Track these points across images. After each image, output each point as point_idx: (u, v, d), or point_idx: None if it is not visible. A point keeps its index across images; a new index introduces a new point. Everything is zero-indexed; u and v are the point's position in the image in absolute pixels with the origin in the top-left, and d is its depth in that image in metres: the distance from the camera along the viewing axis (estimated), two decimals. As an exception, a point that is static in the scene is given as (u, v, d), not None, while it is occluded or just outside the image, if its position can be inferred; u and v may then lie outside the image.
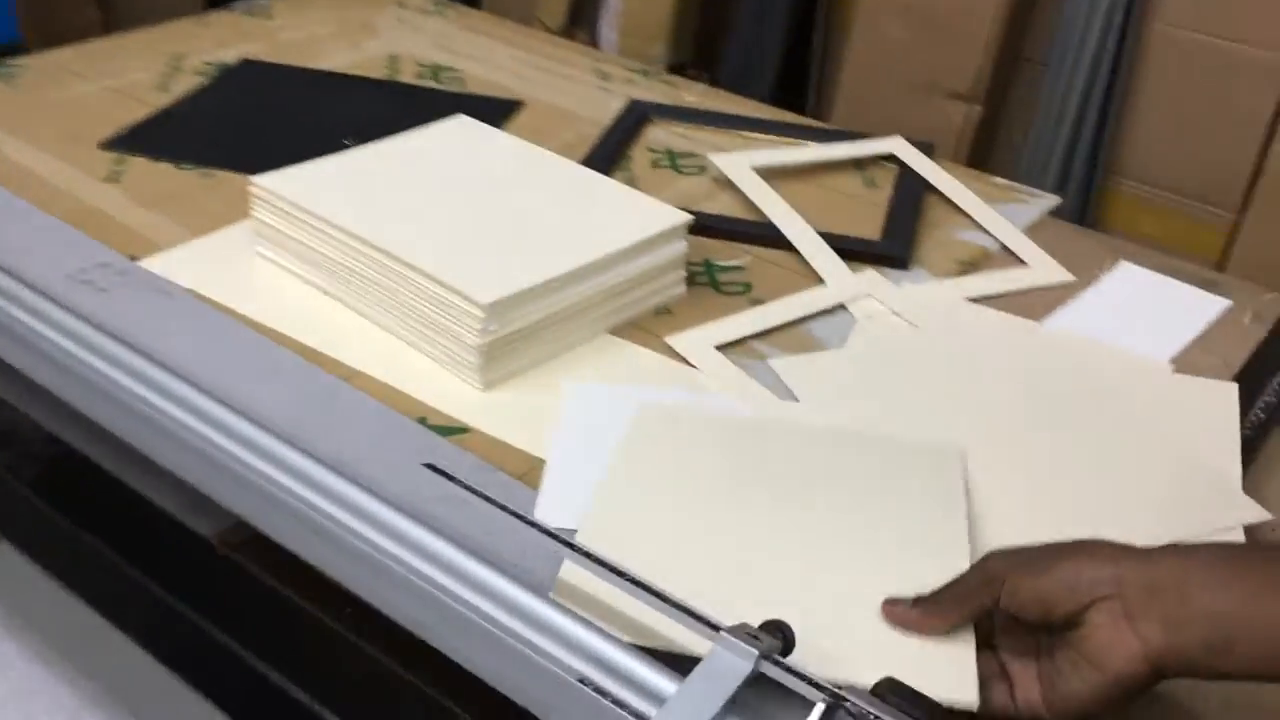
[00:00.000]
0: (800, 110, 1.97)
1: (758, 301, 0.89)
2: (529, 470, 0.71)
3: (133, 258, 0.88)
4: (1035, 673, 0.55)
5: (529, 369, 0.80)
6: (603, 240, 0.82)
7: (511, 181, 0.90)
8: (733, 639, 0.50)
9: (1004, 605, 0.55)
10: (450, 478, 0.62)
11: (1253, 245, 1.70)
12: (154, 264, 0.87)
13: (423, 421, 0.74)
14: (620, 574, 0.55)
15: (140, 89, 1.15)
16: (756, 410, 0.77)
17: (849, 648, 0.57)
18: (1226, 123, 1.67)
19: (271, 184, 0.86)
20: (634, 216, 0.87)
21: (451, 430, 0.74)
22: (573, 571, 0.59)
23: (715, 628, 0.51)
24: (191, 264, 0.88)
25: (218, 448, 0.66)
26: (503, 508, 0.62)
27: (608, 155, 1.08)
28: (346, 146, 0.94)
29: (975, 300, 0.91)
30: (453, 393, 0.77)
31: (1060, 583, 0.53)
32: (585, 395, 0.77)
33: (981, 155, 1.89)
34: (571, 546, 0.58)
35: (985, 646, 0.57)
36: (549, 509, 0.67)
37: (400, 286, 0.79)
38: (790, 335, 0.86)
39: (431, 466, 0.62)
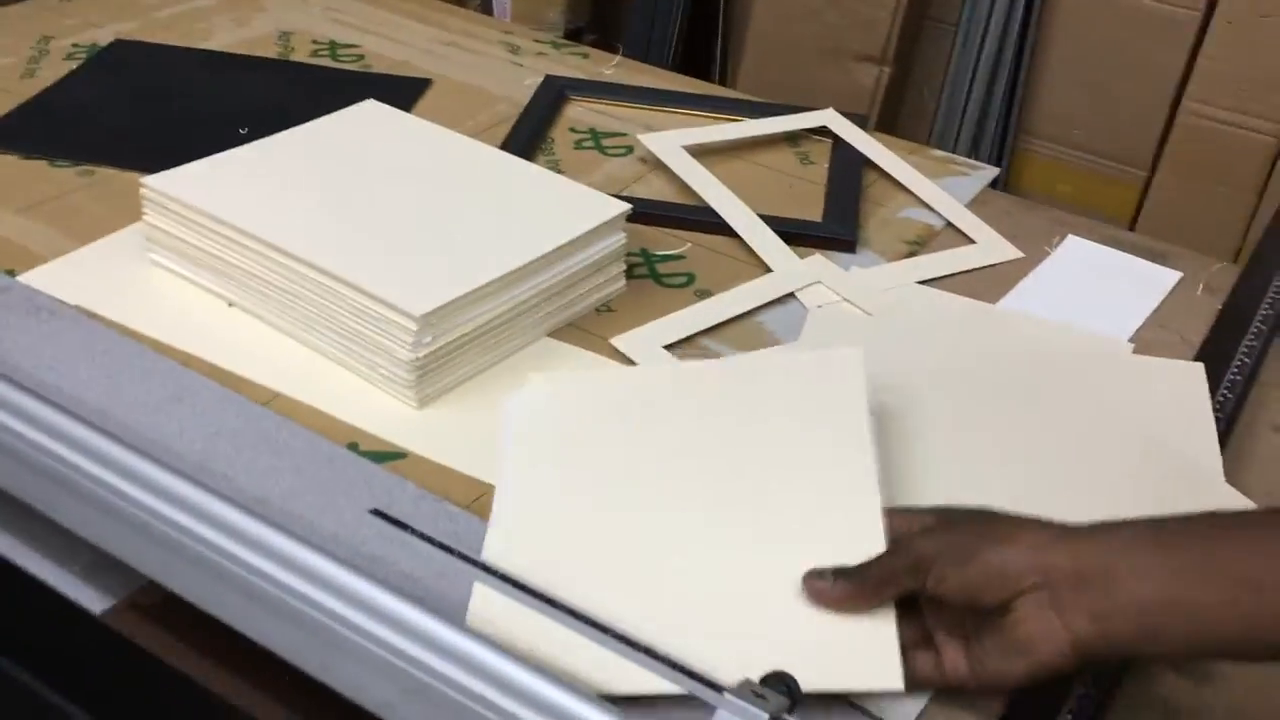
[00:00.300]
0: (706, 77, 1.93)
1: (703, 293, 0.84)
2: (479, 497, 0.65)
3: (10, 272, 0.78)
4: (962, 648, 0.55)
5: (466, 380, 0.73)
6: (539, 236, 0.76)
7: (432, 173, 0.83)
8: (739, 701, 0.45)
9: (930, 590, 0.54)
10: (399, 524, 0.55)
11: (1164, 201, 1.71)
12: (34, 278, 0.78)
13: (354, 448, 0.67)
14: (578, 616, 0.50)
15: (3, 76, 1.04)
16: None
17: (764, 628, 0.56)
18: (1136, 81, 1.67)
19: (163, 184, 0.78)
20: (569, 207, 0.80)
21: (386, 456, 0.67)
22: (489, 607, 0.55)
23: (719, 689, 0.46)
24: (78, 276, 0.79)
25: (118, 494, 0.58)
26: (448, 550, 0.56)
27: (528, 138, 1.01)
28: (243, 137, 0.86)
29: (926, 283, 0.87)
30: (386, 412, 0.70)
31: (986, 572, 0.53)
32: (528, 403, 0.71)
33: (891, 118, 1.86)
34: (523, 587, 0.52)
35: (909, 612, 0.56)
36: (500, 543, 0.61)
37: (319, 297, 0.72)
38: (741, 329, 0.81)
39: (378, 512, 0.56)
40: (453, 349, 0.71)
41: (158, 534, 0.57)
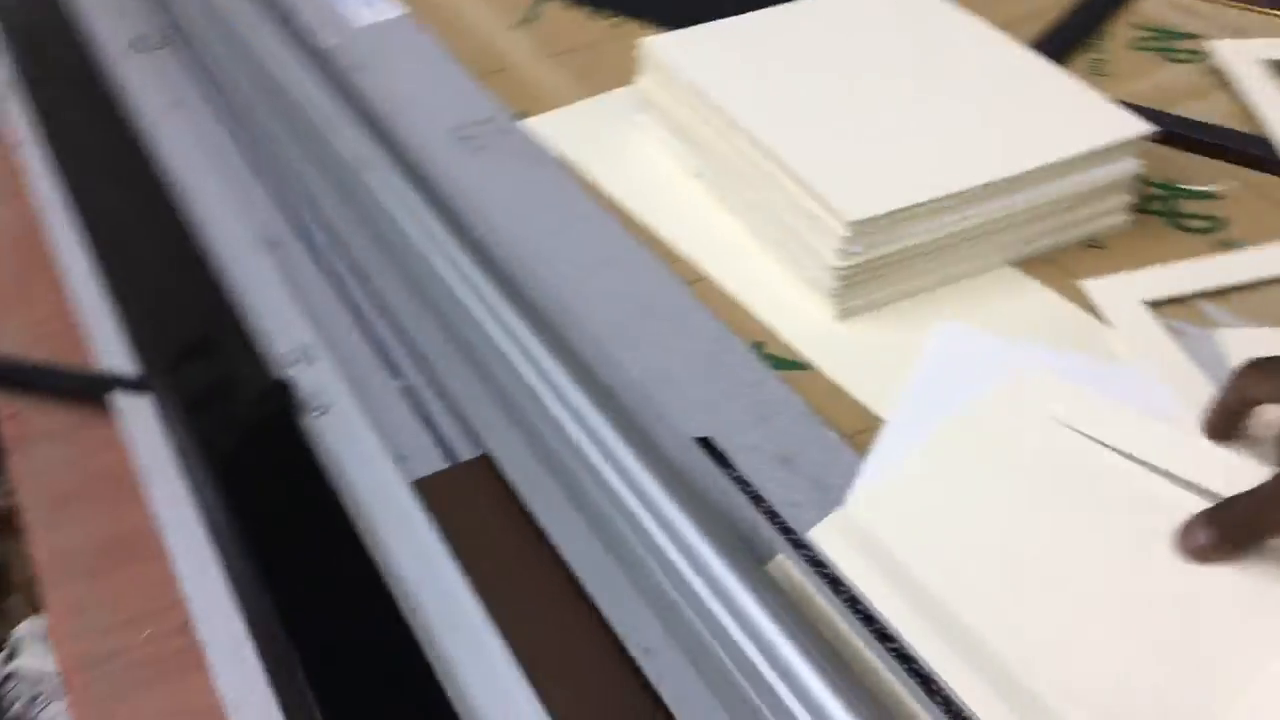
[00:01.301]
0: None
1: (1228, 245, 0.69)
2: (864, 430, 0.59)
3: (520, 114, 0.83)
4: None
5: (897, 300, 0.66)
6: (1021, 151, 0.66)
7: (931, 65, 0.75)
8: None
9: None
10: (722, 461, 0.51)
11: None
12: (534, 124, 0.82)
13: (759, 348, 0.64)
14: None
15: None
16: (1173, 406, 0.59)
17: None
18: None
19: (659, 47, 0.78)
20: (1073, 121, 0.69)
21: (788, 364, 0.63)
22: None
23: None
24: (571, 127, 0.82)
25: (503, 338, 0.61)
26: (761, 505, 0.52)
27: (1077, 27, 0.88)
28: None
29: None
30: (803, 319, 0.66)
31: None
32: (957, 342, 0.64)
33: None
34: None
35: None
36: (863, 499, 0.56)
37: (763, 182, 0.68)
38: (1261, 298, 0.66)
39: (704, 442, 0.52)
40: (888, 263, 0.65)
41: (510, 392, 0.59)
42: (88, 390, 0.62)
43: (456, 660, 0.48)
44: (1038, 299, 0.66)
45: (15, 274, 0.73)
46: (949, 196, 0.64)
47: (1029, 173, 0.66)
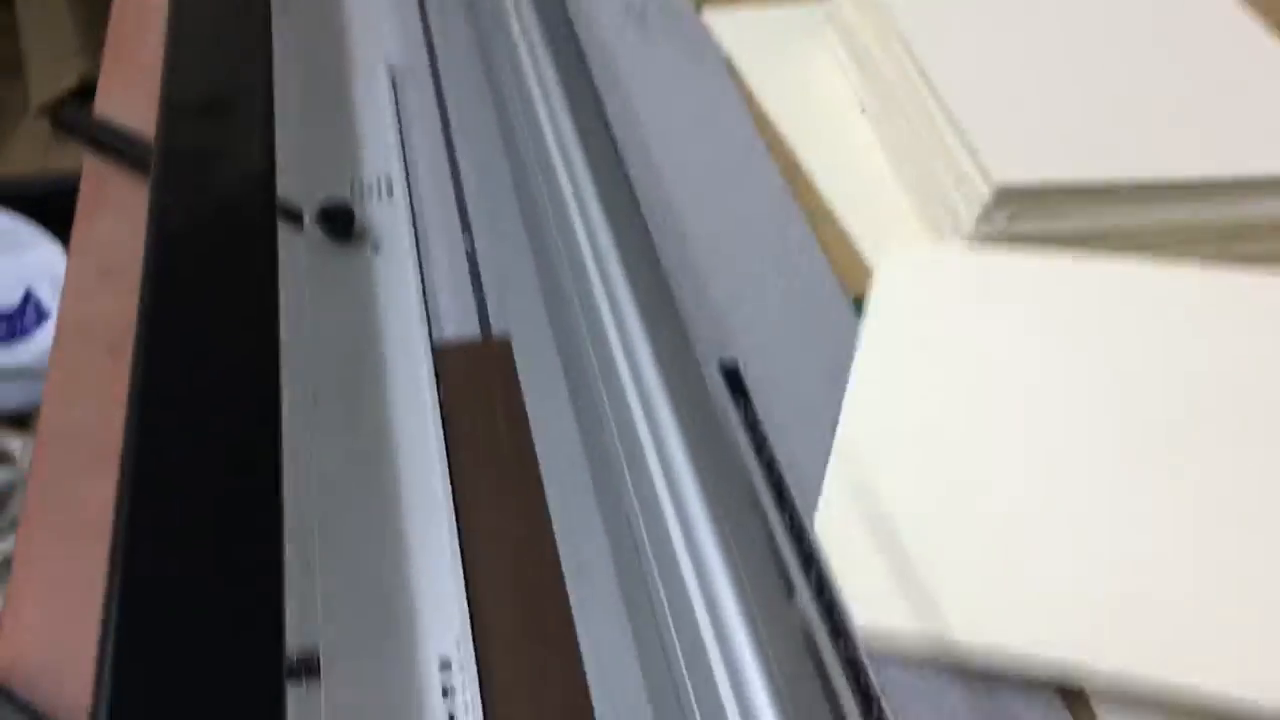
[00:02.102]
0: None
1: None
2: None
3: (698, 5, 0.77)
4: None
5: (1038, 291, 0.57)
6: (1237, 154, 0.56)
7: (1164, 39, 0.64)
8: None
9: None
10: (741, 393, 0.45)
11: None
12: (715, 17, 0.76)
13: (858, 305, 0.57)
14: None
15: None
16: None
17: None
18: None
19: (862, -40, 0.70)
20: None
21: (886, 328, 0.55)
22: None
23: None
24: (749, 30, 0.75)
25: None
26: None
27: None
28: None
29: None
30: (920, 283, 0.58)
31: None
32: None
33: None
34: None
35: None
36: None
37: (925, 127, 0.60)
38: None
39: (730, 373, 0.45)
40: (1032, 246, 0.56)
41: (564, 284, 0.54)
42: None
43: (407, 533, 0.44)
44: (1203, 329, 0.56)
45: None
46: (1124, 184, 0.54)
47: (1239, 181, 0.55)
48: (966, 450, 0.46)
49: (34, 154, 1.38)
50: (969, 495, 0.44)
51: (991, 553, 0.42)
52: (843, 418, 0.47)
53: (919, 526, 0.43)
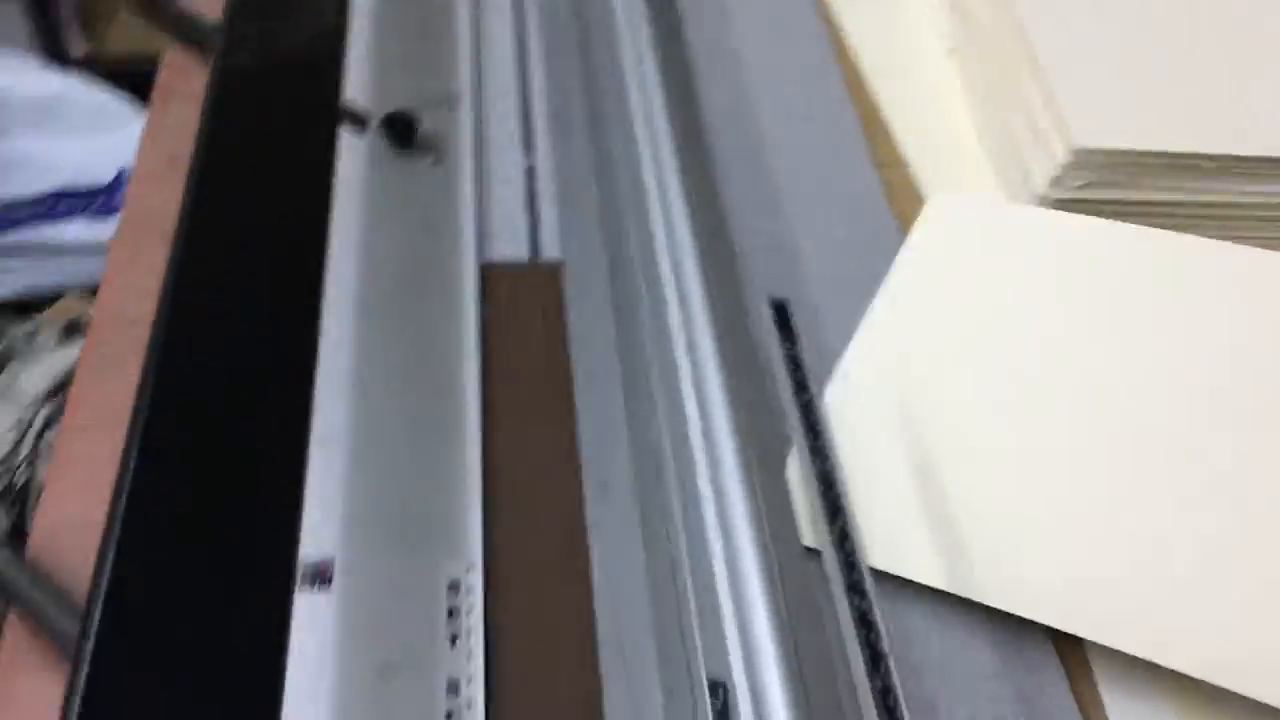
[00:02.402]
0: None
1: None
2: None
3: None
4: None
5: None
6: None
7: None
8: None
9: None
10: (788, 330, 0.43)
11: None
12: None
13: (920, 256, 0.55)
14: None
15: None
16: None
17: None
18: None
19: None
20: None
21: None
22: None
23: None
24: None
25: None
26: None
27: None
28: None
29: None
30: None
31: None
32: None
33: None
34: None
35: None
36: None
37: (1010, 76, 0.58)
38: None
39: (775, 305, 0.44)
40: (1106, 216, 0.53)
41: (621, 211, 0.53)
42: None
43: (435, 451, 0.44)
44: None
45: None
46: (1215, 156, 0.52)
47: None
48: (966, 394, 0.45)
49: (138, 35, 1.40)
50: (950, 440, 0.43)
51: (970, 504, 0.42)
52: (850, 349, 0.47)
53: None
